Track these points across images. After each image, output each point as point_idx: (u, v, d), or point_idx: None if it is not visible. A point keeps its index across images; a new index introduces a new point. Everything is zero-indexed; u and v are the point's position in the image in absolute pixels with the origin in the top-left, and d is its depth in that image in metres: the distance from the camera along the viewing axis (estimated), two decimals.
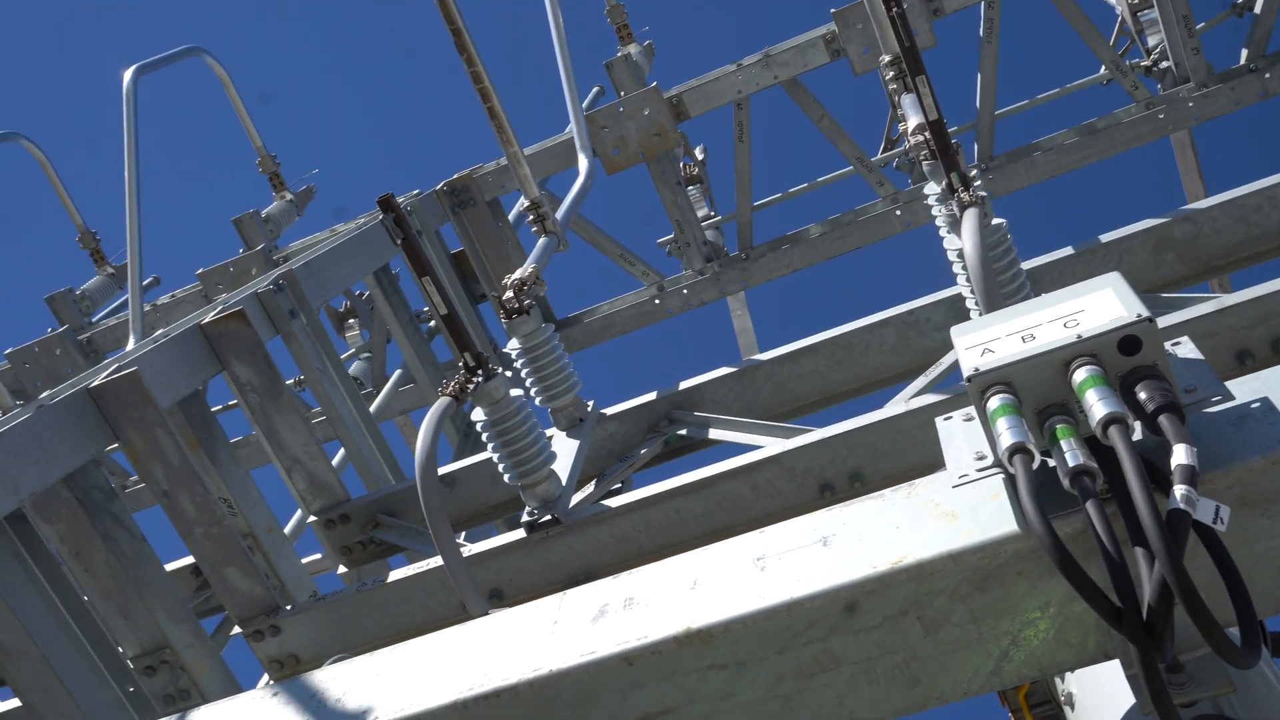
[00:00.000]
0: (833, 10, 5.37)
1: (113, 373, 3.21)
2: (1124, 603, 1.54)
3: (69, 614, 3.14)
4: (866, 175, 5.99)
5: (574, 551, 3.34)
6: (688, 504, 3.29)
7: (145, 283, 6.53)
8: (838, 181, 7.26)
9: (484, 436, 3.26)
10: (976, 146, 5.95)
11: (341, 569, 4.06)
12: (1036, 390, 1.77)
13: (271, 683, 2.28)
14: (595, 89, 6.72)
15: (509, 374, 3.62)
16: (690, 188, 7.30)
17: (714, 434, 3.72)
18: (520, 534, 3.35)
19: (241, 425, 7.71)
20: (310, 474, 3.92)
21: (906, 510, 1.87)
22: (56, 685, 3.04)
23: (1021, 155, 5.81)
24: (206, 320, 3.66)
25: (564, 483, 3.40)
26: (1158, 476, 1.64)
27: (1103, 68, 6.58)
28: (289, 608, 3.53)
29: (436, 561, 3.40)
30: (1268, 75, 5.49)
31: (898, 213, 5.88)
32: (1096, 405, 1.66)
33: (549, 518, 3.30)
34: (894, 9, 2.89)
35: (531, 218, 3.80)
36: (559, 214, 4.01)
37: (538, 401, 3.69)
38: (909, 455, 3.20)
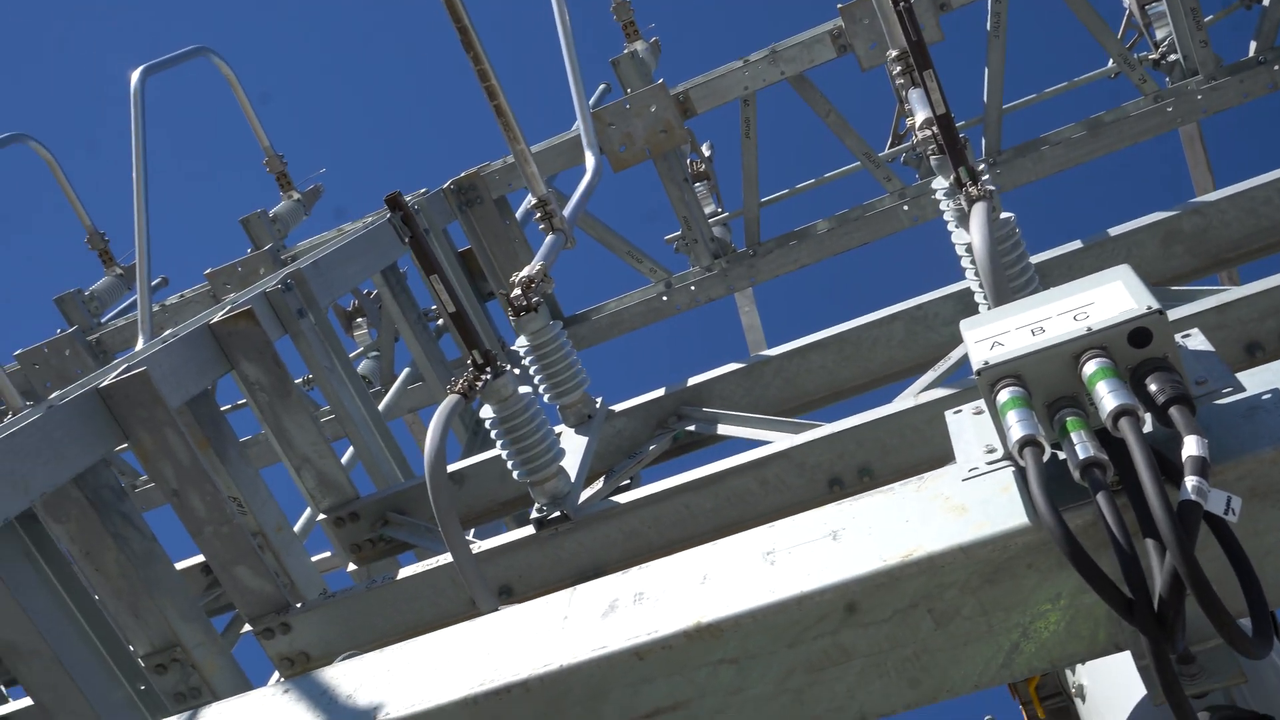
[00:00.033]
0: (839, 5, 5.36)
1: (122, 373, 3.22)
2: (1135, 594, 1.54)
3: (80, 613, 3.15)
4: (874, 171, 5.98)
5: (583, 548, 3.35)
6: (697, 500, 3.29)
7: (154, 283, 6.54)
8: (845, 177, 7.26)
9: (493, 434, 3.27)
10: (984, 141, 5.95)
11: (351, 567, 4.06)
12: (1046, 383, 1.77)
13: (282, 680, 2.29)
14: (601, 86, 6.72)
15: (517, 371, 3.63)
16: (697, 184, 7.30)
17: (722, 430, 3.72)
18: (529, 531, 3.35)
19: (251, 424, 7.74)
20: (319, 472, 3.93)
21: (916, 504, 1.86)
22: (68, 684, 3.05)
23: (1029, 149, 5.80)
24: (215, 320, 3.67)
25: (573, 479, 3.40)
26: (1168, 468, 1.63)
27: (1110, 61, 6.57)
28: (299, 605, 3.53)
29: (446, 558, 3.40)
30: (1276, 67, 5.47)
31: (905, 208, 5.87)
32: (1107, 397, 1.66)
33: (558, 514, 3.30)
34: (901, 3, 2.88)
35: (539, 215, 3.80)
36: (566, 211, 4.01)
37: (546, 399, 3.69)
38: (918, 450, 3.20)
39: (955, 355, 3.51)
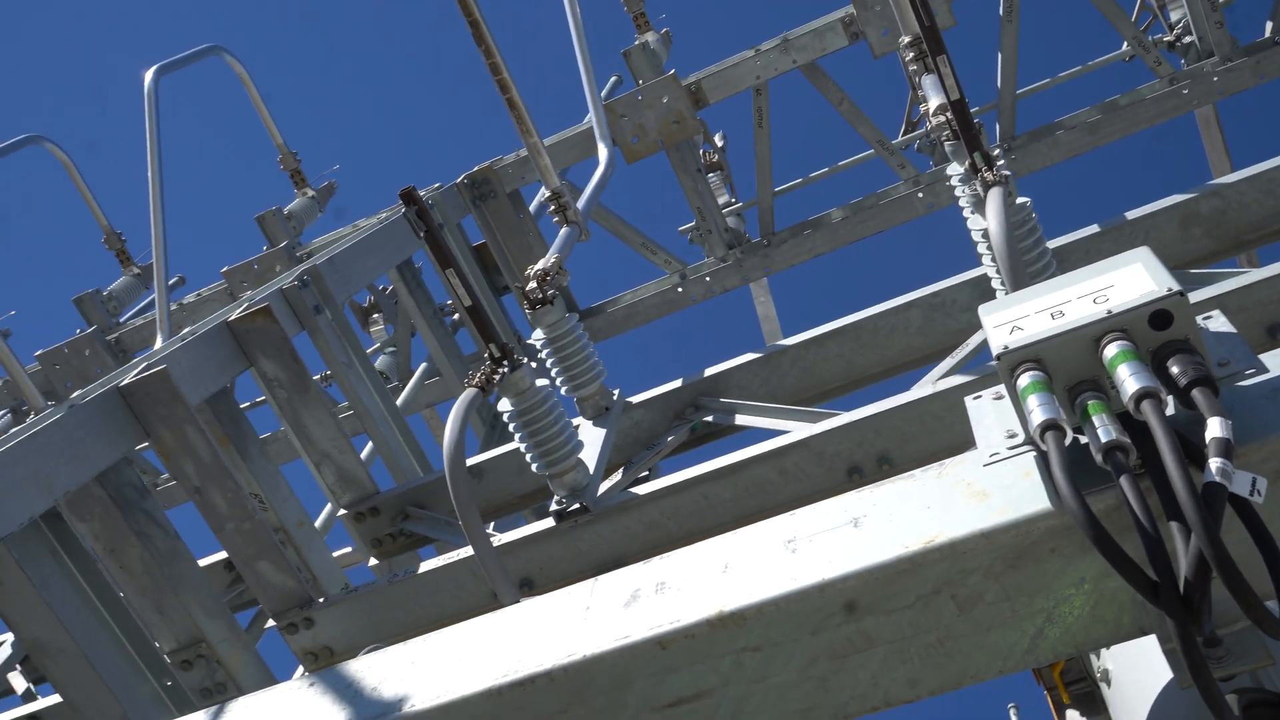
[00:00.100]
0: None
1: (142, 371, 3.24)
2: (1160, 577, 1.53)
3: (106, 610, 3.18)
4: (888, 158, 5.97)
5: (603, 539, 3.35)
6: (716, 490, 3.29)
7: (171, 282, 6.57)
8: (859, 165, 7.25)
9: (510, 427, 3.27)
10: (998, 126, 5.92)
11: (372, 561, 4.08)
12: (1067, 367, 1.76)
13: (307, 674, 2.30)
14: (613, 78, 6.72)
15: (534, 365, 3.63)
16: (711, 175, 7.29)
17: (740, 420, 3.72)
18: (549, 523, 3.36)
19: (270, 421, 7.78)
20: (339, 468, 3.94)
21: (937, 490, 1.86)
22: (95, 681, 3.07)
23: (1044, 134, 5.78)
24: (233, 317, 3.68)
25: (591, 471, 3.40)
26: (1192, 451, 1.62)
27: (1125, 44, 6.53)
28: (321, 600, 3.55)
29: (466, 552, 3.41)
30: None
31: (920, 195, 5.85)
32: (1129, 380, 1.65)
33: (577, 506, 3.31)
34: None
35: (553, 208, 3.80)
36: (580, 204, 4.01)
37: (563, 391, 3.69)
38: (937, 437, 3.19)
39: (973, 341, 3.49)
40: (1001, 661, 1.83)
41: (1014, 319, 1.84)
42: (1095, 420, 1.67)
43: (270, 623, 3.60)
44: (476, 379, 3.05)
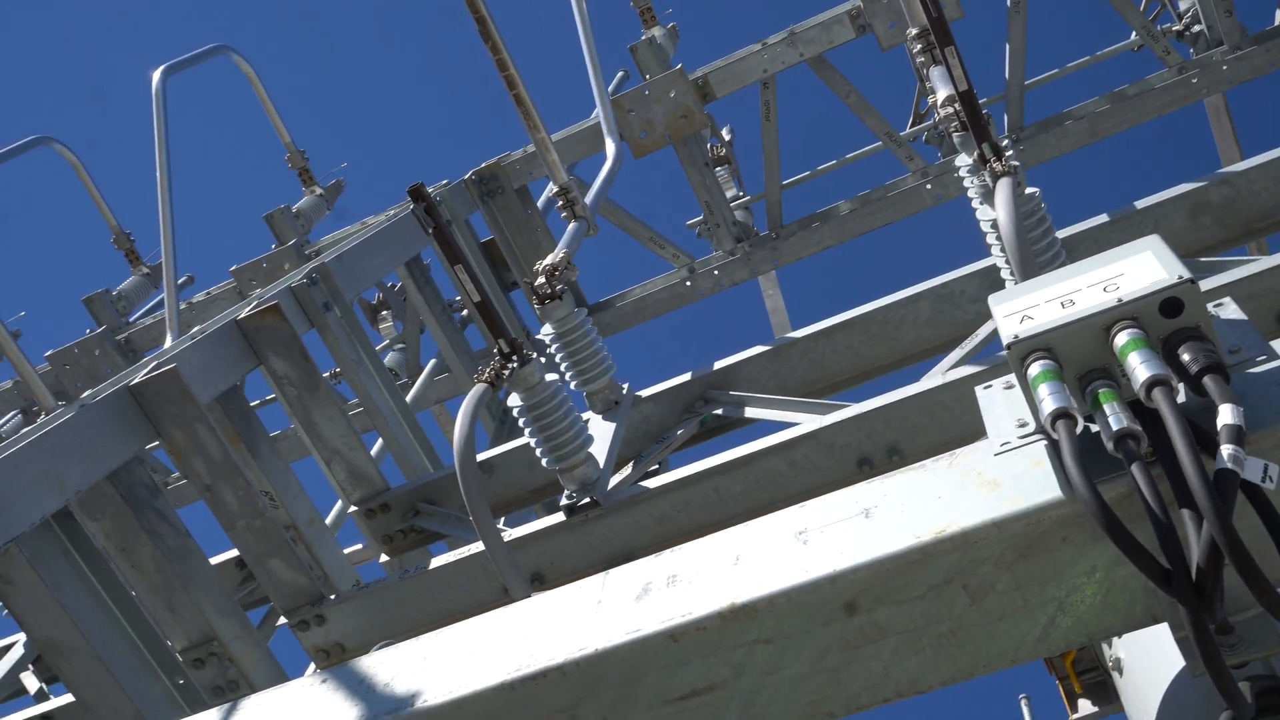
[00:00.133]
0: None
1: (152, 370, 3.25)
2: (1173, 564, 1.53)
3: (118, 609, 3.19)
4: (896, 150, 5.95)
5: (614, 533, 3.35)
6: (726, 483, 3.29)
7: (180, 281, 6.59)
8: (867, 157, 7.23)
9: (520, 421, 3.27)
10: (1006, 117, 5.90)
11: (383, 558, 4.09)
12: (1077, 355, 1.75)
13: (319, 671, 2.31)
14: (620, 73, 6.71)
15: (543, 360, 3.63)
16: (718, 168, 7.27)
17: (750, 413, 3.72)
18: (560, 517, 3.36)
19: (280, 419, 7.79)
20: (349, 465, 3.95)
21: (948, 480, 1.86)
22: (108, 680, 3.08)
23: (1053, 125, 5.75)
24: (242, 316, 3.69)
25: (601, 465, 3.40)
26: (1203, 438, 1.62)
27: (1133, 33, 6.50)
28: (333, 597, 3.56)
29: (477, 547, 3.42)
30: None
31: (928, 187, 5.84)
32: (1139, 368, 1.65)
33: (588, 500, 3.31)
34: None
35: (561, 203, 3.81)
36: (588, 199, 4.01)
37: (573, 386, 3.69)
38: (947, 428, 3.19)
39: (983, 332, 3.49)
40: (1014, 651, 1.82)
41: (1024, 308, 1.83)
42: (1106, 408, 1.67)
43: (282, 620, 3.61)
44: (486, 374, 3.05)
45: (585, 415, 3.73)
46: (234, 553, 4.26)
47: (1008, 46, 5.78)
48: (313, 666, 3.67)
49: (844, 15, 5.48)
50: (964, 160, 3.19)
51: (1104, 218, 3.70)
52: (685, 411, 3.89)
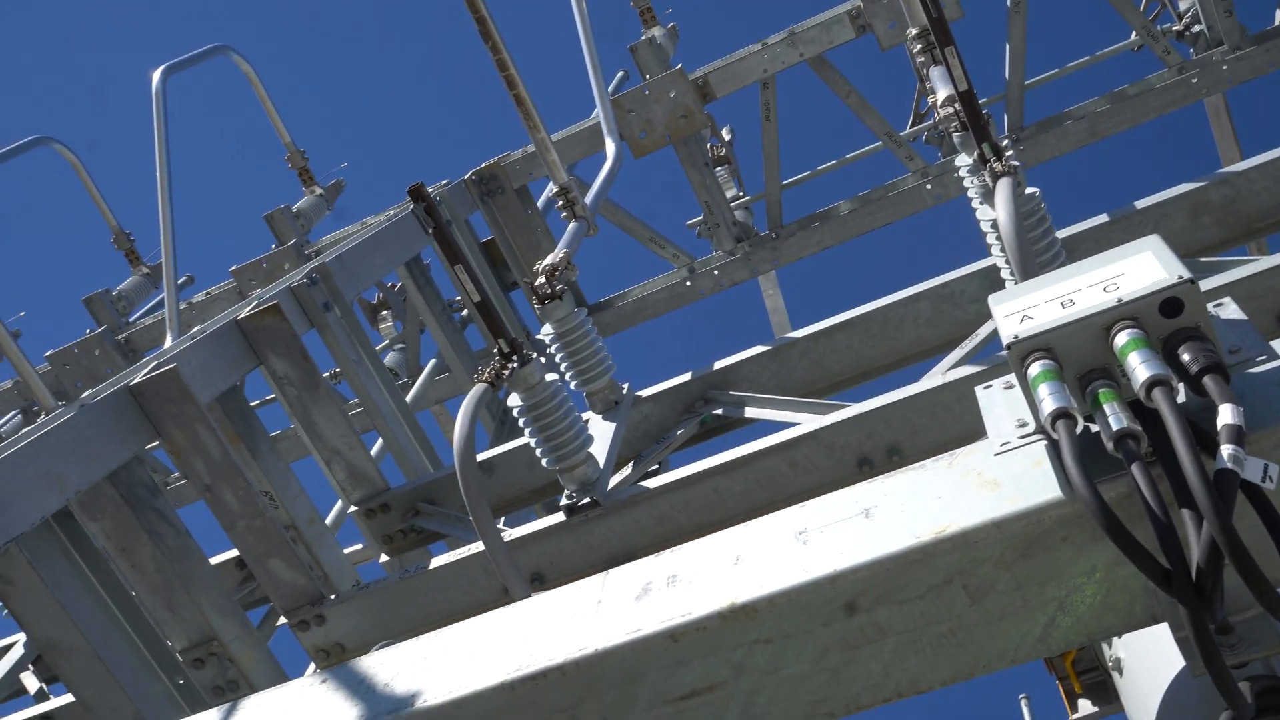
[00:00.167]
0: None
1: (152, 370, 3.25)
2: (1173, 564, 1.53)
3: (118, 609, 3.19)
4: (896, 150, 5.95)
5: (613, 533, 3.35)
6: (726, 483, 3.29)
7: (180, 281, 6.59)
8: (867, 157, 7.23)
9: (520, 421, 3.27)
10: (1006, 117, 5.90)
11: (383, 558, 4.09)
12: (1077, 355, 1.75)
13: (320, 671, 2.31)
14: (620, 73, 6.71)
15: (543, 359, 3.63)
16: (718, 168, 7.28)
17: (750, 413, 3.72)
18: (560, 517, 3.36)
19: (280, 419, 7.79)
20: (349, 465, 3.95)
21: (948, 480, 1.86)
22: (108, 680, 3.08)
23: (1052, 125, 5.76)
24: (242, 316, 3.69)
25: (601, 465, 3.40)
26: (1203, 438, 1.62)
27: (1133, 33, 6.50)
28: (333, 597, 3.56)
29: (477, 547, 3.42)
30: None
31: (928, 187, 5.84)
32: (1139, 368, 1.65)
33: (588, 500, 3.31)
34: None
35: (561, 203, 3.81)
36: (588, 198, 4.01)
37: (573, 386, 3.69)
38: (947, 428, 3.19)
39: (983, 332, 3.49)
40: (1014, 651, 1.82)
41: (1024, 308, 1.83)
42: (1106, 408, 1.67)
43: (282, 620, 3.61)
44: (486, 374, 3.05)
45: (585, 415, 3.73)
46: (234, 553, 4.26)
47: (1008, 46, 5.78)
48: (313, 666, 3.67)
49: (844, 15, 5.48)
50: (964, 160, 3.19)
51: (1104, 218, 3.70)
52: (685, 411, 3.89)
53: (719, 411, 3.81)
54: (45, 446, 2.86)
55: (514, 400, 3.25)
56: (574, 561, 3.40)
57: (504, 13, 3.64)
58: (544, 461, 3.30)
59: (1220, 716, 1.64)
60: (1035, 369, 1.73)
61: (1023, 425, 1.88)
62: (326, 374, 4.14)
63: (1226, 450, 1.53)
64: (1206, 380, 1.62)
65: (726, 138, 7.66)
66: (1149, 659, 2.59)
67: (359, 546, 5.57)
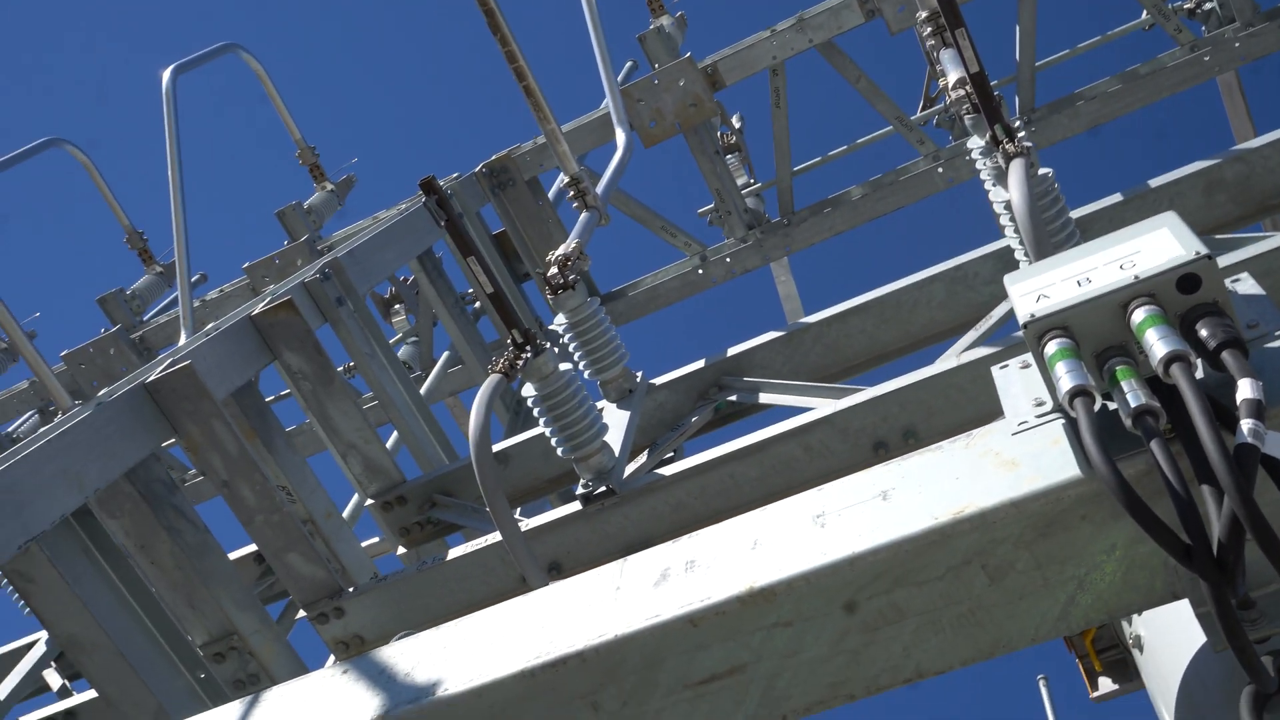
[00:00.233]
0: None
1: (167, 368, 3.26)
2: (1194, 540, 1.52)
3: (138, 605, 3.20)
4: (906, 134, 5.93)
5: (630, 521, 3.35)
6: (742, 469, 3.29)
7: (193, 279, 6.60)
8: (878, 142, 7.20)
9: (535, 411, 3.28)
10: (1018, 99, 5.88)
11: (400, 550, 4.10)
12: (1094, 333, 1.74)
13: (340, 662, 2.31)
14: (629, 63, 6.70)
15: (556, 349, 3.63)
16: (729, 156, 7.26)
17: (764, 398, 3.71)
18: (576, 506, 3.36)
19: (295, 414, 7.81)
20: (365, 458, 3.96)
21: (966, 460, 1.85)
22: (130, 675, 3.10)
23: (1064, 105, 5.73)
24: (256, 312, 3.70)
25: (617, 454, 3.40)
26: (1222, 413, 1.61)
27: (1144, 12, 6.46)
28: (351, 590, 3.57)
29: (494, 538, 3.42)
30: None
31: (940, 170, 5.82)
32: (1157, 344, 1.64)
33: (604, 489, 3.31)
34: None
35: (572, 194, 3.80)
36: (599, 189, 4.01)
37: (586, 375, 3.69)
38: (963, 410, 3.18)
39: (997, 314, 3.47)
40: (1034, 630, 1.82)
41: (1040, 287, 1.82)
42: (1124, 385, 1.66)
43: (301, 613, 3.63)
44: (500, 365, 3.05)
45: (599, 404, 3.73)
46: (252, 547, 4.27)
47: (1018, 28, 5.75)
48: (332, 659, 3.68)
49: (853, 0, 5.45)
50: (976, 143, 3.17)
51: (1118, 197, 3.68)
52: (699, 398, 3.89)
53: (733, 398, 3.81)
54: (63, 445, 2.87)
55: (528, 390, 3.26)
56: (591, 550, 3.40)
57: (512, 4, 3.63)
58: (559, 451, 3.30)
59: (1243, 691, 1.63)
60: (1052, 347, 1.72)
61: (1040, 404, 1.88)
62: (341, 368, 4.15)
63: (1246, 425, 1.52)
64: (1225, 355, 1.61)
65: (736, 125, 7.65)
66: (1170, 636, 2.58)
67: (376, 539, 5.58)
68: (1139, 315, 1.70)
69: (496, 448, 3.94)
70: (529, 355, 3.14)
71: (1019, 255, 3.27)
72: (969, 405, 3.14)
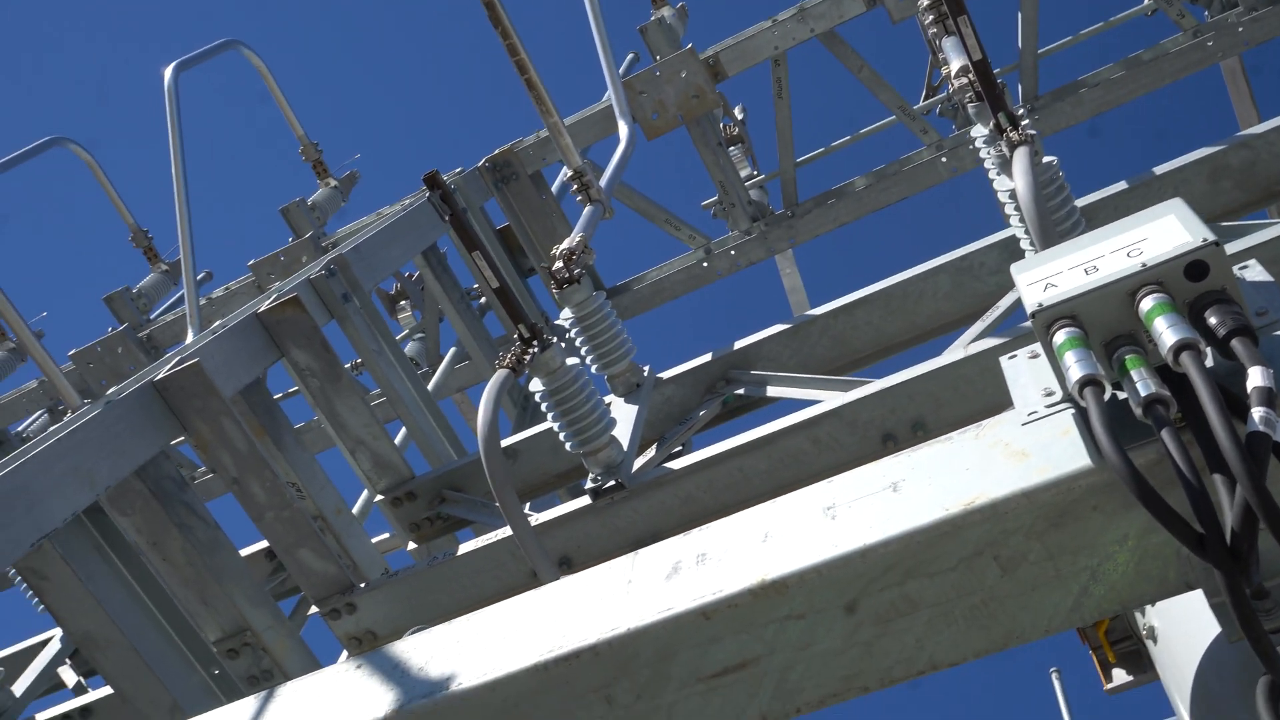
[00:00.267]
0: None
1: (175, 366, 3.26)
2: (1206, 529, 1.52)
3: (151, 602, 3.22)
4: (909, 124, 5.92)
5: (639, 515, 3.36)
6: (750, 462, 3.29)
7: (199, 277, 6.61)
8: (881, 132, 7.20)
9: (543, 406, 3.28)
10: (1020, 87, 5.87)
11: (411, 546, 4.11)
12: (1103, 322, 1.74)
13: (353, 656, 2.32)
14: (630, 55, 6.69)
15: (563, 344, 3.64)
16: (732, 148, 7.25)
17: (772, 391, 3.71)
18: (585, 501, 3.37)
19: (303, 411, 7.83)
20: (374, 454, 3.97)
21: (976, 451, 1.85)
22: (145, 671, 3.12)
23: (1067, 93, 5.72)
24: (263, 309, 3.70)
25: (625, 448, 3.41)
26: (1233, 402, 1.61)
27: None
28: (363, 585, 3.58)
29: (504, 532, 3.43)
30: None
31: (943, 160, 5.81)
32: (1166, 333, 1.64)
33: (613, 483, 3.31)
34: None
35: (575, 187, 3.80)
36: (603, 182, 4.00)
37: (593, 369, 3.69)
38: (971, 401, 3.18)
39: (1004, 304, 3.47)
40: (1047, 621, 1.82)
41: (1047, 276, 1.83)
42: (1134, 374, 1.66)
43: (313, 609, 3.64)
44: (507, 360, 3.06)
45: (607, 398, 3.73)
46: (263, 544, 4.29)
47: (1020, 15, 5.74)
48: (345, 654, 3.70)
49: None
50: (979, 131, 3.17)
51: (1123, 185, 3.67)
52: (707, 392, 3.89)
53: (741, 391, 3.81)
54: (74, 443, 2.88)
55: (535, 385, 3.26)
56: (601, 544, 3.40)
57: None
58: (567, 445, 3.31)
59: (1259, 682, 1.64)
60: (1061, 337, 1.73)
61: (1049, 394, 1.88)
62: (348, 365, 4.15)
63: (1258, 413, 1.52)
64: (1235, 343, 1.62)
65: (739, 117, 7.63)
66: (1183, 626, 2.58)
67: (386, 535, 5.60)
68: (1147, 303, 1.70)
69: (505, 443, 3.94)
70: (536, 350, 3.14)
71: (1024, 244, 3.26)
72: (977, 397, 3.14)
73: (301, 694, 2.21)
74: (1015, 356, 2.05)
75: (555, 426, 3.30)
